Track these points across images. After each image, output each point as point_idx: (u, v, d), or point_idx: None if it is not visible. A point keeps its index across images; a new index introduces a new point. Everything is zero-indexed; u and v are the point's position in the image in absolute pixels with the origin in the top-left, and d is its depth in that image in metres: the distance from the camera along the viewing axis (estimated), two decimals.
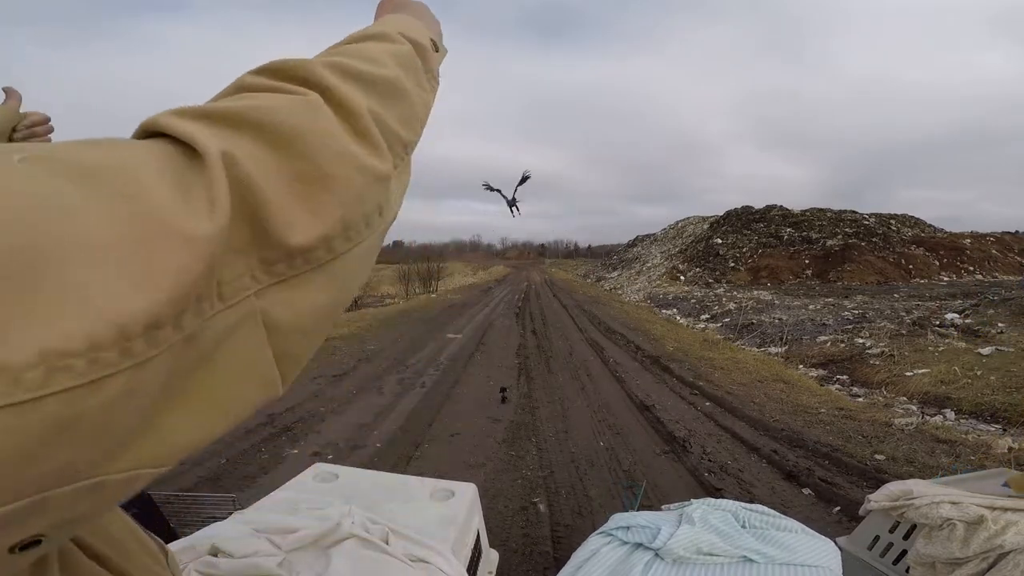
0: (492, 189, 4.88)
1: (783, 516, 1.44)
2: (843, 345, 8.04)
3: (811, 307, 12.18)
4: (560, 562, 2.48)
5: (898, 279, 21.88)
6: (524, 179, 4.57)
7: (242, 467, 3.68)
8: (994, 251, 26.18)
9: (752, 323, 10.93)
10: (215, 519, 1.32)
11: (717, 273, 24.34)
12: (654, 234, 41.52)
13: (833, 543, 1.40)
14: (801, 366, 7.43)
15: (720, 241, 28.07)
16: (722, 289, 19.61)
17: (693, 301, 15.98)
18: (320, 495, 1.36)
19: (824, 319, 10.29)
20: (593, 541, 1.38)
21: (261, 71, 0.31)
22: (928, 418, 4.80)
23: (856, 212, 30.40)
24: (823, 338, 8.76)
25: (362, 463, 3.62)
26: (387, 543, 1.04)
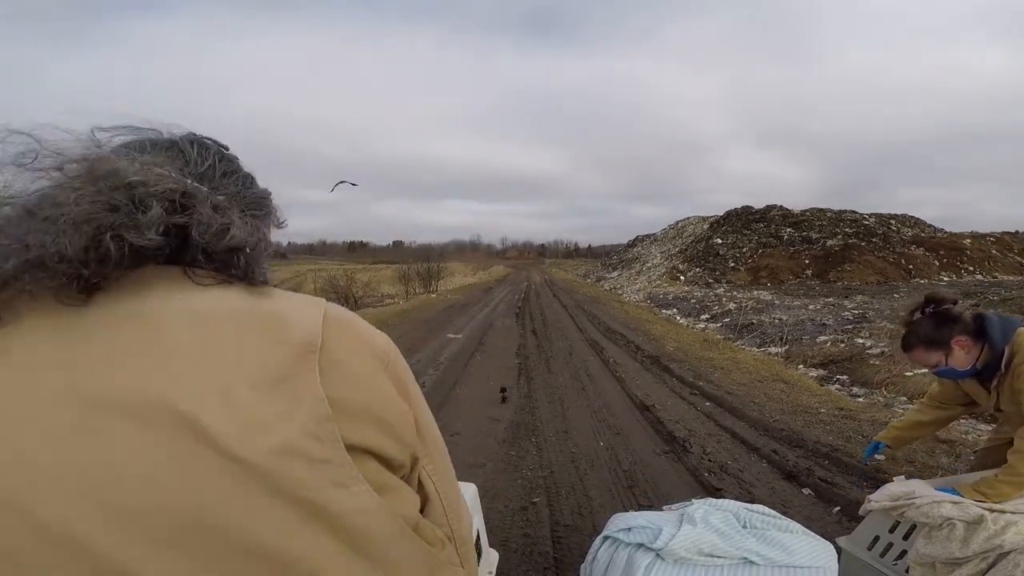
0: (340, 183, 6.51)
1: (783, 517, 1.44)
2: (843, 345, 8.04)
3: (811, 307, 12.18)
4: (560, 562, 2.48)
5: (898, 279, 21.90)
6: (353, 184, 7.00)
7: None
8: (994, 251, 26.20)
9: (752, 323, 10.93)
10: None
11: (717, 273, 24.35)
12: (654, 234, 41.54)
13: (831, 544, 1.40)
14: (801, 366, 7.43)
15: (720, 241, 28.09)
16: (722, 289, 19.62)
17: (693, 301, 15.98)
18: None
19: (824, 319, 10.29)
20: (603, 554, 1.38)
21: None
22: None
23: (856, 212, 30.43)
24: (823, 338, 8.76)
25: None
26: None
